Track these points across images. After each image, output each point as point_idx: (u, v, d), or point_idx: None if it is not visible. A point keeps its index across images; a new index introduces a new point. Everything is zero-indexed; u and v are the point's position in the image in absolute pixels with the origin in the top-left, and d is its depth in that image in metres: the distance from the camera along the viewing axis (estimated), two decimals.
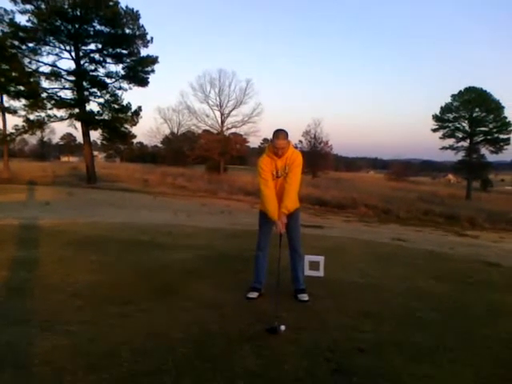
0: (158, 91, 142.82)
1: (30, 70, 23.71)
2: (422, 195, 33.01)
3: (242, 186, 26.37)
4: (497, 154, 48.07)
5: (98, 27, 24.43)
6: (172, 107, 55.93)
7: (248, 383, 2.23)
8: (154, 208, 13.62)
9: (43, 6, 22.45)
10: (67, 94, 25.11)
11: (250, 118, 45.12)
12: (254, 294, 3.65)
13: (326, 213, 18.28)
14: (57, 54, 24.49)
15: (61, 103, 24.42)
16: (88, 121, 25.17)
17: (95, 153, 40.13)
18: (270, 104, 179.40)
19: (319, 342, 2.76)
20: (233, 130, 47.97)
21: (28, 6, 22.24)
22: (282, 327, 2.89)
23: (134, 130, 28.92)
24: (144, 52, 25.64)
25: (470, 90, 46.63)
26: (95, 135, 28.91)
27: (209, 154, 44.94)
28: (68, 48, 24.64)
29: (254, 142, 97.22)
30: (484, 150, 48.35)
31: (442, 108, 48.21)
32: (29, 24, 22.56)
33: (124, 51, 25.24)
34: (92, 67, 25.71)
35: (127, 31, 24.62)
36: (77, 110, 24.91)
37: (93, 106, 26.52)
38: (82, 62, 25.19)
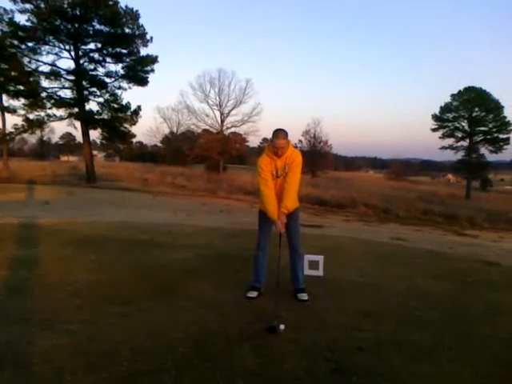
0: (158, 91, 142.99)
1: (29, 69, 23.70)
2: (422, 195, 33.03)
3: (242, 186, 26.35)
4: (496, 154, 48.20)
5: (98, 27, 24.45)
6: (171, 107, 55.73)
7: (247, 382, 2.23)
8: (154, 207, 13.62)
9: (43, 6, 22.44)
10: (67, 94, 25.16)
11: (249, 118, 45.20)
12: (253, 294, 3.65)
13: (325, 212, 18.29)
14: (56, 54, 24.53)
15: (60, 102, 24.41)
16: (87, 120, 25.17)
17: (95, 152, 40.07)
18: (270, 103, 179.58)
19: (319, 342, 2.76)
20: (232, 130, 48.05)
21: (27, 6, 22.25)
22: (282, 326, 2.89)
23: (134, 129, 29.06)
24: (143, 51, 25.68)
25: (470, 89, 46.64)
26: (95, 134, 28.96)
27: (208, 153, 44.94)
28: (67, 47, 24.66)
29: (254, 141, 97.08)
30: (483, 150, 48.45)
31: (441, 108, 48.26)
32: (28, 23, 22.61)
33: (123, 51, 25.24)
34: (91, 67, 25.75)
35: (127, 31, 24.62)
36: (76, 110, 24.90)
37: (92, 106, 26.48)
38: (81, 62, 25.19)
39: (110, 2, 23.60)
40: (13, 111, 24.09)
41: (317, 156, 49.58)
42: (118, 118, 25.63)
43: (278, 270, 3.37)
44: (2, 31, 22.17)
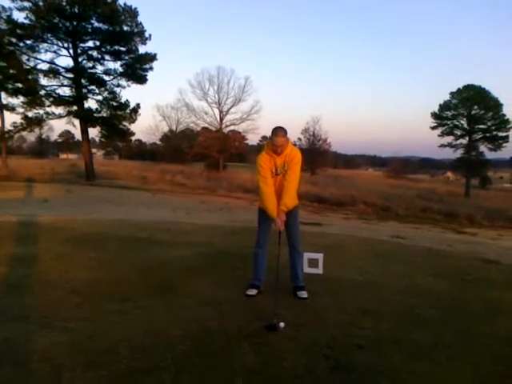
0: (157, 88, 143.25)
1: (27, 67, 23.65)
2: (421, 193, 33.04)
3: (241, 184, 26.36)
4: (495, 152, 48.27)
5: (96, 24, 24.38)
6: (170, 104, 55.74)
7: (247, 380, 2.22)
8: (153, 205, 13.61)
9: (41, 3, 22.37)
10: (65, 92, 25.16)
11: (248, 116, 45.18)
12: (253, 292, 3.65)
13: (324, 210, 18.27)
14: (55, 52, 24.50)
15: (59, 100, 24.38)
16: (86, 118, 25.14)
17: (94, 150, 40.08)
18: (269, 101, 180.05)
19: (318, 339, 2.76)
20: (231, 128, 48.04)
21: (26, 3, 22.20)
22: (281, 324, 2.89)
23: (133, 127, 29.02)
24: (142, 49, 25.75)
25: (469, 87, 46.61)
26: (94, 132, 29.13)
27: (208, 151, 44.93)
28: (66, 45, 24.62)
29: (253, 139, 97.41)
30: (483, 148, 48.46)
31: (440, 106, 48.19)
32: (27, 21, 22.55)
33: (122, 48, 25.20)
34: (90, 64, 25.71)
35: (125, 28, 24.58)
36: (75, 108, 24.87)
37: (91, 104, 26.44)
38: (80, 60, 25.15)
39: (109, 0, 23.52)
40: (11, 109, 24.06)
41: (316, 154, 49.56)
42: (117, 116, 25.61)
43: (277, 267, 3.37)
44: (0, 29, 22.10)
